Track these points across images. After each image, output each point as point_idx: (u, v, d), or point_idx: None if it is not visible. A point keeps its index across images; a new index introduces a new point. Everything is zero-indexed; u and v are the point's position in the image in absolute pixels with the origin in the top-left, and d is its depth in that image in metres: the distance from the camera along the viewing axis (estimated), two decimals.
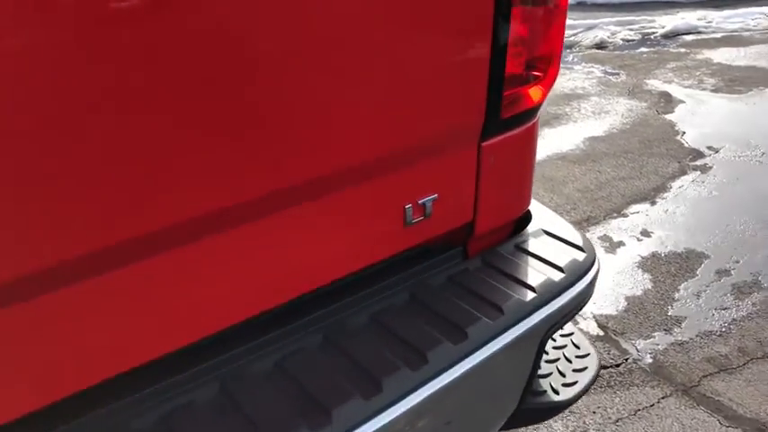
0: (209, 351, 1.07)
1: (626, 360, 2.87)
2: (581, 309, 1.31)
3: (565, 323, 1.27)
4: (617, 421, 2.56)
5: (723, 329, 3.00)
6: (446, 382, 1.07)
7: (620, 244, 3.70)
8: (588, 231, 3.85)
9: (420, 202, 1.19)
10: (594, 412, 2.61)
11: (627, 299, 3.24)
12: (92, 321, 0.87)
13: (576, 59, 7.51)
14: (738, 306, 3.13)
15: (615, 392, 2.70)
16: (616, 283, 3.35)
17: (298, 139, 0.97)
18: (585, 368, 1.46)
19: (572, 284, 1.26)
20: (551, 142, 5.04)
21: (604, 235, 3.80)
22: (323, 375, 1.05)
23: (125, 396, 0.99)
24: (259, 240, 1.01)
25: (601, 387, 2.74)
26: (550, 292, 1.24)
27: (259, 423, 0.97)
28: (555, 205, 4.13)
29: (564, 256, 1.33)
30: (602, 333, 3.03)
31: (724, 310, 3.12)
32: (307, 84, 0.95)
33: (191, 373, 1.04)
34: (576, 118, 5.57)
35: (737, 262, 3.46)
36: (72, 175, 0.78)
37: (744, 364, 2.79)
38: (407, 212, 1.18)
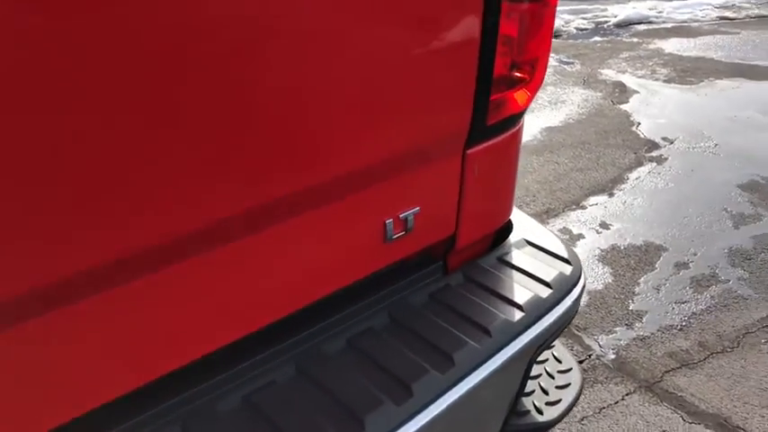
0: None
1: (589, 356, 2.86)
2: (569, 324, 1.24)
3: (554, 340, 1.20)
4: (582, 420, 2.54)
5: (683, 323, 3.01)
6: (433, 415, 0.98)
7: (580, 236, 3.70)
8: (548, 224, 3.83)
9: (401, 215, 1.09)
10: None
11: (588, 293, 3.23)
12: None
13: None
14: (697, 299, 3.16)
15: None
16: None
17: (271, 153, 0.86)
18: (569, 384, 1.40)
19: (560, 301, 1.19)
20: None
21: (564, 227, 3.79)
22: (297, 413, 0.95)
23: None
24: (226, 265, 0.90)
25: None
26: (538, 310, 1.16)
27: None
28: (515, 197, 4.09)
29: (549, 269, 1.26)
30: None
31: (684, 303, 3.14)
32: (282, 93, 0.83)
33: None
34: (533, 108, 5.55)
35: (695, 254, 3.49)
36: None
37: (704, 359, 2.81)
38: (388, 228, 1.07)
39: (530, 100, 1.26)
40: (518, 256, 1.30)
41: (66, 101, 0.66)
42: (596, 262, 3.46)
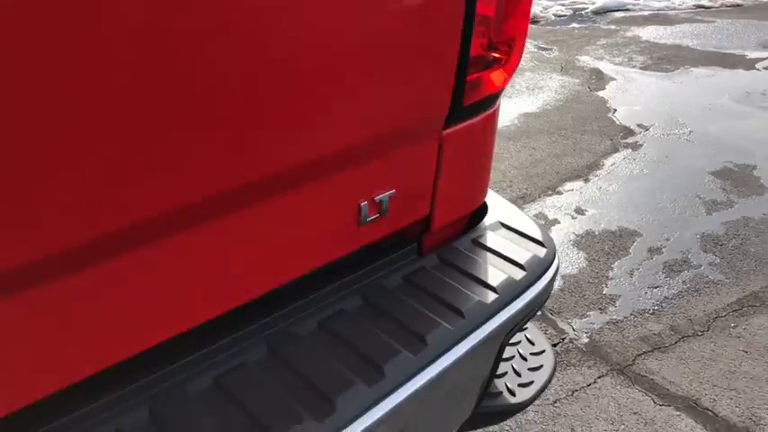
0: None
1: (563, 340, 2.88)
2: (542, 306, 1.24)
3: (527, 322, 1.20)
4: (555, 402, 2.56)
5: (656, 308, 3.05)
6: (404, 396, 0.98)
7: (555, 222, 3.72)
8: (524, 209, 3.84)
9: (376, 198, 1.08)
10: None
11: (563, 277, 3.26)
12: None
13: None
14: (669, 284, 3.20)
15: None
16: None
17: (245, 134, 0.84)
18: (541, 366, 1.41)
19: (533, 283, 1.19)
20: None
21: (540, 213, 3.81)
22: (268, 394, 0.94)
23: None
24: (201, 246, 0.88)
25: None
26: (512, 291, 1.16)
27: None
28: (492, 182, 4.09)
29: (524, 251, 1.26)
30: (539, 312, 3.03)
31: (656, 288, 3.18)
32: (254, 74, 0.81)
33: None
34: (511, 93, 5.56)
35: (668, 240, 3.53)
36: None
37: (675, 342, 2.85)
38: (362, 210, 1.06)
39: (506, 81, 1.25)
40: (492, 239, 1.30)
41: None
42: (571, 247, 3.49)
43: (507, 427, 2.43)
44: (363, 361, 0.99)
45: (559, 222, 3.72)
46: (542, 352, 1.45)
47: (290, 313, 1.08)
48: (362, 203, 1.05)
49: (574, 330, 2.93)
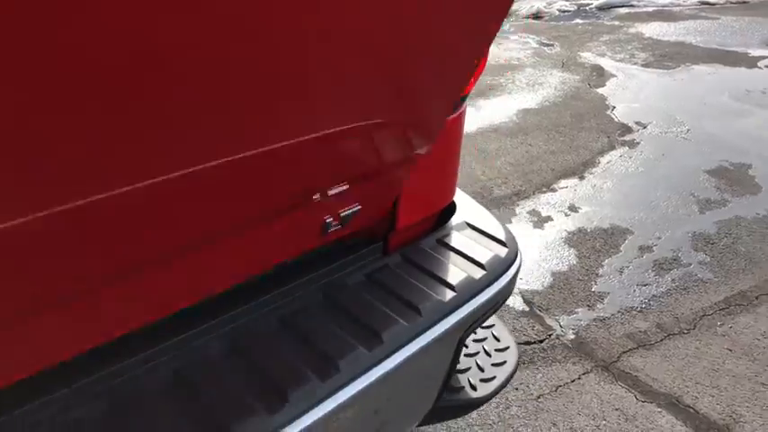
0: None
1: (549, 336, 2.92)
2: (502, 304, 1.28)
3: (485, 320, 1.24)
4: (538, 398, 2.60)
5: (643, 305, 3.08)
6: (357, 390, 1.02)
7: (548, 219, 3.75)
8: (518, 206, 3.88)
9: (342, 214, 1.11)
10: (517, 388, 2.64)
11: (553, 274, 3.29)
12: None
13: (512, 29, 7.50)
14: (658, 282, 3.22)
15: (538, 369, 2.74)
16: (543, 259, 3.39)
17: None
18: (504, 362, 1.44)
19: (492, 282, 1.23)
20: (485, 114, 5.04)
21: (533, 209, 3.84)
22: (225, 386, 0.98)
23: None
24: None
25: (524, 363, 2.77)
26: (470, 290, 1.20)
27: None
28: (486, 179, 4.14)
29: (485, 251, 1.29)
30: (527, 308, 3.06)
31: (645, 286, 3.20)
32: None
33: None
34: (511, 89, 5.57)
35: (659, 238, 3.55)
36: None
37: (661, 340, 2.88)
38: (327, 225, 1.10)
39: (472, 84, 1.28)
40: (457, 239, 1.34)
41: None
42: (562, 244, 3.52)
43: (490, 422, 2.47)
44: (319, 356, 1.04)
45: (552, 219, 3.74)
46: (506, 348, 1.48)
47: (253, 309, 1.12)
48: (328, 220, 1.09)
49: (561, 327, 2.96)
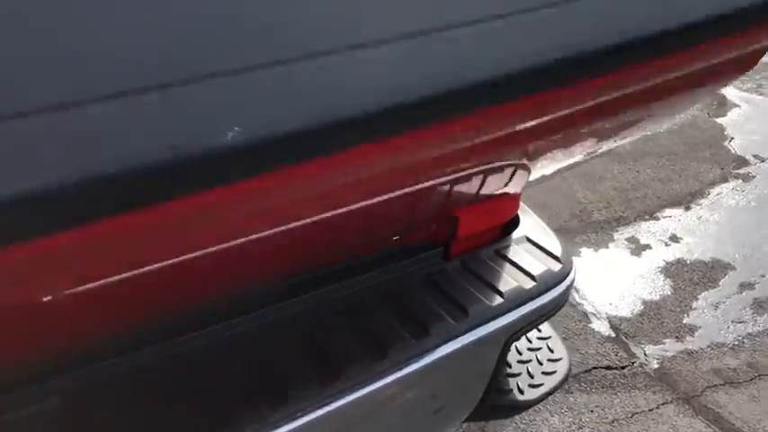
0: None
1: (632, 363, 2.91)
2: (550, 317, 1.38)
3: (530, 330, 1.34)
4: (613, 422, 2.61)
5: (736, 343, 2.99)
6: (403, 373, 1.17)
7: (647, 247, 3.70)
8: (617, 232, 3.85)
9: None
10: (592, 411, 2.67)
11: (644, 303, 3.26)
12: None
13: None
14: (756, 321, 3.11)
15: (616, 393, 2.75)
16: (636, 286, 3.37)
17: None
18: (554, 372, 1.53)
19: (541, 293, 1.33)
20: None
21: (632, 236, 3.80)
22: (285, 356, 1.17)
23: None
24: None
25: (603, 387, 2.79)
26: (517, 299, 1.31)
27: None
28: (588, 202, 4.13)
29: (539, 265, 1.40)
30: (613, 334, 3.06)
31: (740, 323, 3.11)
32: None
33: None
34: None
35: (763, 276, 3.42)
36: None
37: (751, 380, 2.79)
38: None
39: None
40: (515, 251, 1.45)
41: None
42: (658, 274, 3.47)
43: None
44: (370, 340, 1.19)
45: (651, 248, 3.69)
46: (559, 359, 1.57)
47: (316, 297, 1.30)
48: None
49: (645, 355, 2.95)
